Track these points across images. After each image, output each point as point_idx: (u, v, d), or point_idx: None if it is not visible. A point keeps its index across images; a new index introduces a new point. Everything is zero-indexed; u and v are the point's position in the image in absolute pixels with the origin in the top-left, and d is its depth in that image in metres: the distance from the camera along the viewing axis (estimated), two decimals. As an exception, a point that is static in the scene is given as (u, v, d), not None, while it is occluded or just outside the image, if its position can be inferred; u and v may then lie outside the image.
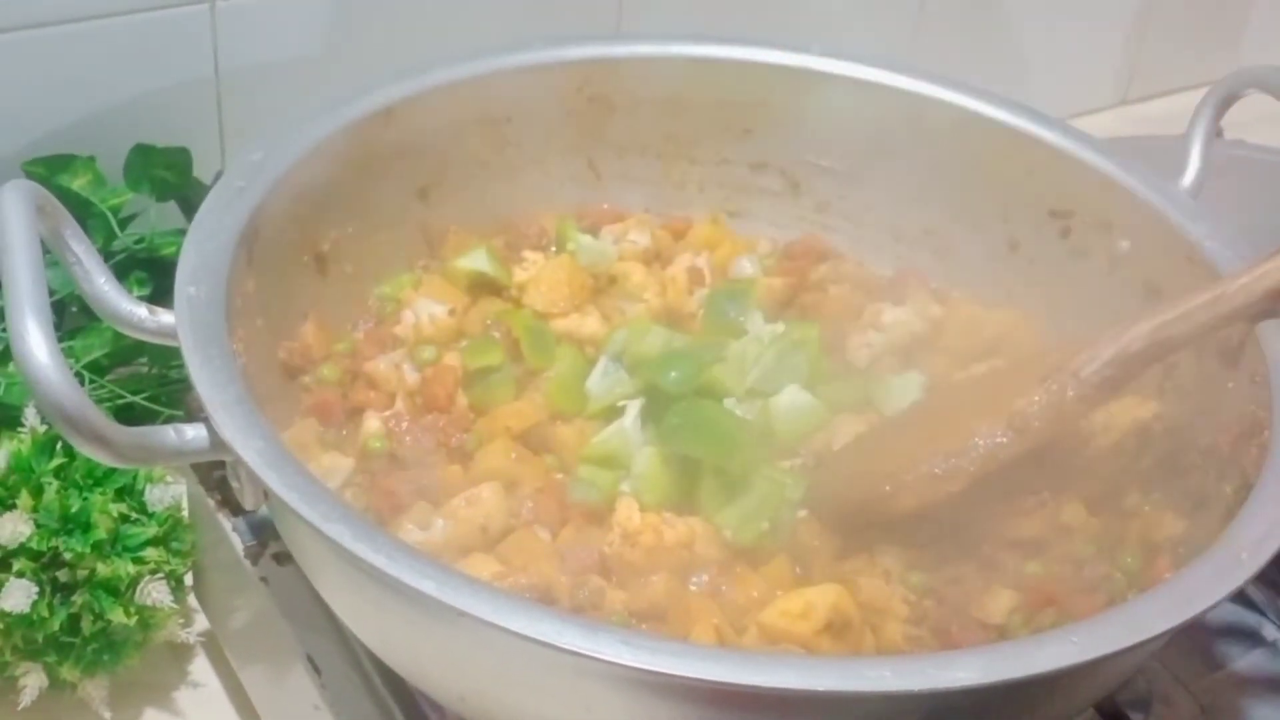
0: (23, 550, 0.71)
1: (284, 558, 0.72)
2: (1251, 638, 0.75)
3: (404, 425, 0.71)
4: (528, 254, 0.81)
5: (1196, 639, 0.73)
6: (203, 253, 0.65)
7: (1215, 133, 0.78)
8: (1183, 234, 0.74)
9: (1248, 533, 0.59)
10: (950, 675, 0.52)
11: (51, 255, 0.62)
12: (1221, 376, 0.71)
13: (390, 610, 0.58)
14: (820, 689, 0.52)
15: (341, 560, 0.56)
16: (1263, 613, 0.76)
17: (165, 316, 0.63)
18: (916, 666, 0.53)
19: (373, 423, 0.72)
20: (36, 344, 0.54)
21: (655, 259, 0.83)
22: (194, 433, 0.58)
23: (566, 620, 0.53)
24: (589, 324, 0.78)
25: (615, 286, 0.80)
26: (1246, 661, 0.74)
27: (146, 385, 0.84)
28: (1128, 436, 0.72)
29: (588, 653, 0.51)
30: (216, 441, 0.57)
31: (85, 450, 0.55)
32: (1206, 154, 0.78)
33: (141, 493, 0.75)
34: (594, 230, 0.84)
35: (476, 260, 0.79)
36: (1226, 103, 0.78)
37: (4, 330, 0.80)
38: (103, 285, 0.63)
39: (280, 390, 0.71)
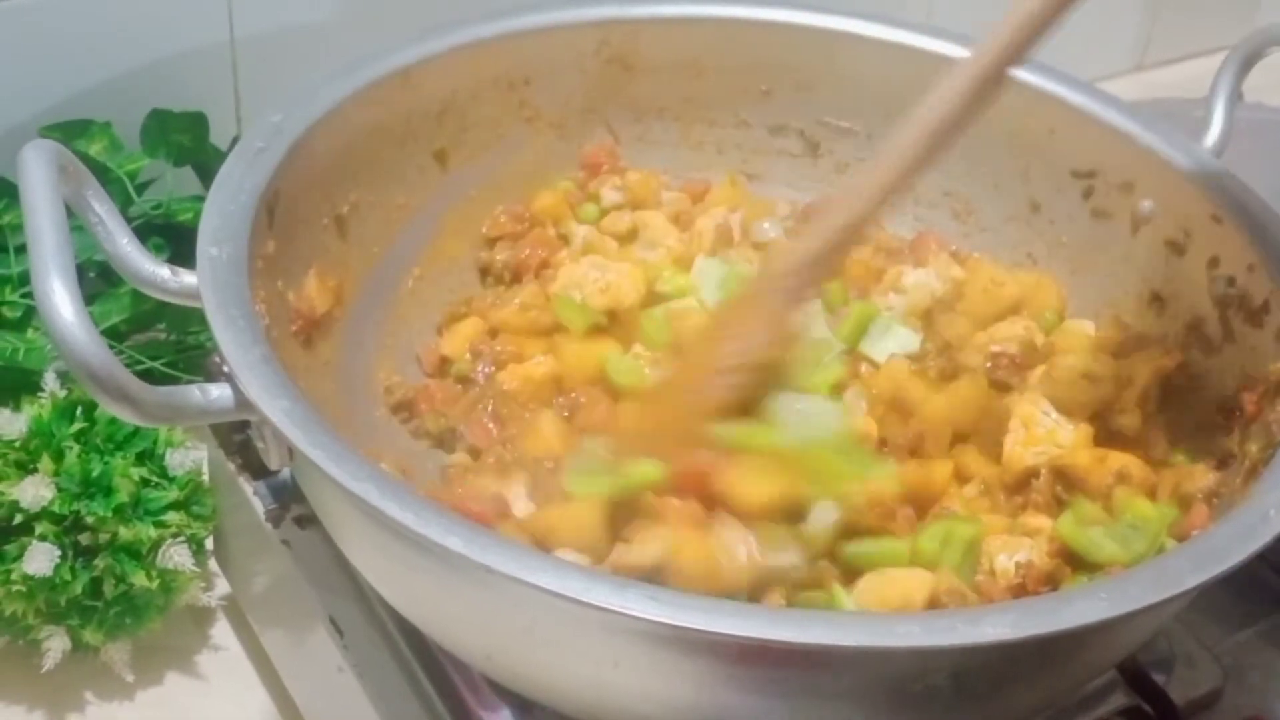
0: (45, 514, 0.71)
1: (305, 520, 0.72)
2: (1274, 599, 0.75)
3: None
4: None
5: (1219, 600, 0.73)
6: (224, 214, 0.64)
7: (1238, 92, 0.78)
8: (1207, 193, 0.73)
9: (1276, 490, 0.59)
10: (979, 631, 0.52)
11: (70, 220, 0.62)
12: (1246, 336, 0.70)
13: (417, 568, 0.58)
14: (849, 644, 0.52)
15: (368, 519, 0.56)
16: (1285, 574, 0.76)
17: (188, 277, 0.62)
18: (946, 622, 0.53)
19: None
20: (62, 302, 0.53)
21: (675, 221, 0.82)
22: (219, 392, 0.57)
23: (595, 576, 0.53)
24: None
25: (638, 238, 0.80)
26: (1269, 623, 0.74)
27: (164, 351, 0.84)
28: (1151, 386, 0.72)
29: (616, 608, 0.51)
30: (242, 401, 0.57)
31: (112, 409, 0.55)
32: (1229, 113, 0.77)
33: (162, 457, 0.75)
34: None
35: None
36: (1250, 61, 0.78)
37: (24, 295, 0.80)
38: (125, 246, 0.63)
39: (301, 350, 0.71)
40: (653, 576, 0.62)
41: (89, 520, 0.71)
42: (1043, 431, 0.70)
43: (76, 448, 0.73)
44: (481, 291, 0.80)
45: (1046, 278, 0.80)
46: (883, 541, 0.66)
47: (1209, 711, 0.69)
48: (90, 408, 0.75)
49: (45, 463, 0.72)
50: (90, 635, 0.73)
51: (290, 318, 0.68)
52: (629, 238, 0.81)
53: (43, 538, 0.71)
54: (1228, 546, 0.56)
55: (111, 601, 0.73)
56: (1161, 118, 0.78)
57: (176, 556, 0.73)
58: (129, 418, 0.55)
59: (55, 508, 0.71)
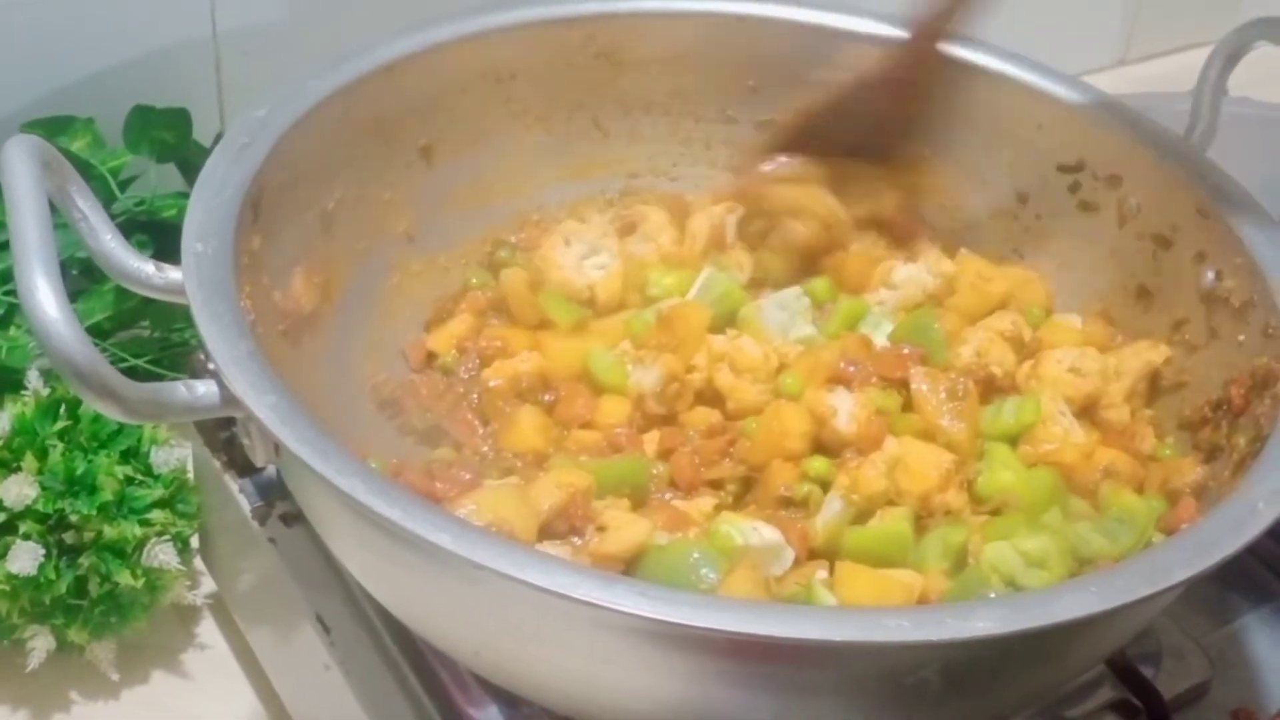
0: (29, 513, 0.71)
1: (291, 518, 0.72)
2: (1261, 592, 0.75)
3: None
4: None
5: (1206, 593, 0.73)
6: (209, 209, 0.64)
7: (1224, 86, 0.78)
8: (1194, 187, 0.73)
9: (1264, 483, 0.59)
10: (969, 625, 0.52)
11: (53, 217, 0.61)
12: (1233, 329, 0.71)
13: (405, 565, 0.57)
14: (838, 639, 0.52)
15: (355, 515, 0.56)
16: (1271, 567, 0.76)
17: (173, 273, 0.62)
18: (935, 616, 0.53)
19: None
20: (46, 299, 0.53)
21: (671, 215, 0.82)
22: (205, 389, 0.57)
23: (583, 572, 0.52)
24: None
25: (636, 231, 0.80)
26: (1257, 615, 0.74)
27: (148, 349, 0.84)
28: (1139, 380, 0.73)
29: (605, 604, 0.51)
30: (228, 397, 0.57)
31: (96, 405, 0.54)
32: (1214, 107, 0.77)
33: (147, 455, 0.75)
34: None
35: None
36: (1236, 55, 0.78)
37: (8, 292, 0.80)
38: (109, 242, 0.62)
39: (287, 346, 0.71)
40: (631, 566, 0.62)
41: (73, 519, 0.71)
42: (1059, 430, 0.71)
43: (60, 446, 0.73)
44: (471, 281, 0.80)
45: (1033, 272, 0.80)
46: (885, 526, 0.66)
47: (1197, 704, 0.69)
48: (74, 405, 0.74)
49: (29, 461, 0.71)
50: (75, 634, 0.73)
51: (277, 316, 0.67)
52: (627, 230, 0.81)
53: (27, 536, 0.70)
54: (1217, 540, 0.56)
55: (96, 600, 0.72)
56: (1148, 111, 0.78)
57: (161, 555, 0.73)
58: (114, 414, 0.55)
59: (39, 506, 0.71)
